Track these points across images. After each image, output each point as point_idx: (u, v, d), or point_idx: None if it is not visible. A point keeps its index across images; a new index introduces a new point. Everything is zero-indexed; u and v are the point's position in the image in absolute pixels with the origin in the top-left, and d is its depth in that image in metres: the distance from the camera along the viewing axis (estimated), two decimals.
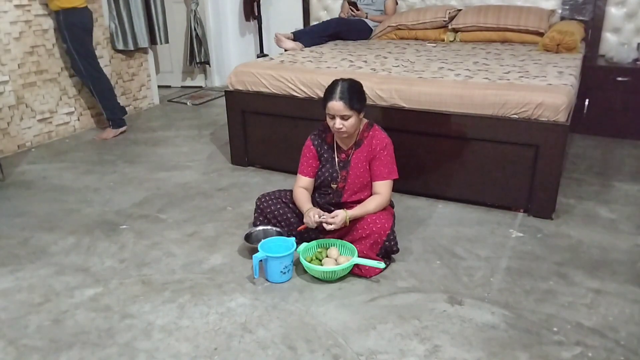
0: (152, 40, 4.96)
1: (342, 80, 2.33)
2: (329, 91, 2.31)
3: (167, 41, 5.09)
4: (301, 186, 2.48)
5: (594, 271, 2.32)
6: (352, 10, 4.72)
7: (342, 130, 2.31)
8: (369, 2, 4.75)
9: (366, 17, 4.69)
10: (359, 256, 2.25)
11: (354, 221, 2.35)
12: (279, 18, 5.82)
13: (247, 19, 5.89)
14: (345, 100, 2.25)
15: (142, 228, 2.77)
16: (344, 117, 2.28)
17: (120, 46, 4.65)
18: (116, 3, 4.53)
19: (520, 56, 3.59)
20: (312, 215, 2.29)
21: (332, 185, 2.46)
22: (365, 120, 2.44)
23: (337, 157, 2.45)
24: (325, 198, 2.50)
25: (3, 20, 3.76)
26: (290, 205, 2.53)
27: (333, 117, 2.30)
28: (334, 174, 2.45)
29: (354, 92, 2.29)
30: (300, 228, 2.42)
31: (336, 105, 2.26)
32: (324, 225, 2.29)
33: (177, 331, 1.97)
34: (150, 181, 3.39)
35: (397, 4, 4.82)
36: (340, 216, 2.27)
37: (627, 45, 4.12)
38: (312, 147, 2.49)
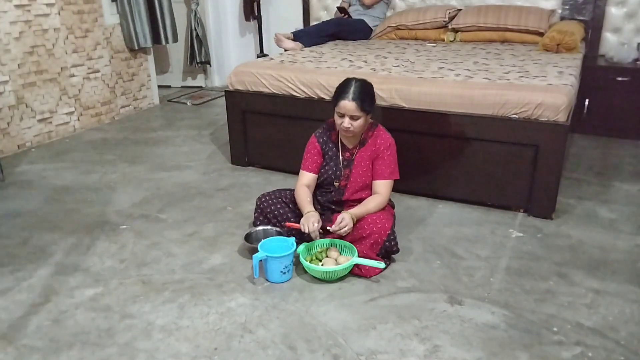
0: (157, 40, 4.97)
1: (356, 80, 2.33)
2: (342, 90, 2.31)
3: (175, 40, 5.10)
4: (304, 184, 2.47)
5: (594, 271, 2.32)
6: (348, 16, 4.70)
7: (349, 129, 2.31)
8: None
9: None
10: (359, 256, 2.25)
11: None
12: (279, 18, 5.82)
13: (247, 19, 5.89)
14: (358, 101, 2.26)
15: (142, 228, 2.77)
16: (353, 117, 2.29)
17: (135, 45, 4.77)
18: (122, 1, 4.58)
19: (520, 56, 3.59)
20: (312, 224, 2.26)
21: (334, 184, 2.47)
22: (370, 120, 2.44)
23: (342, 156, 2.46)
24: (326, 196, 2.51)
25: (3, 20, 3.76)
26: (290, 205, 2.53)
27: (342, 116, 2.31)
28: (338, 172, 2.45)
29: (366, 94, 2.30)
30: (289, 224, 2.41)
31: (348, 105, 2.27)
32: (335, 230, 2.28)
33: (177, 331, 1.97)
34: (150, 181, 3.39)
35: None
36: (346, 219, 2.26)
37: (627, 45, 4.12)
38: (317, 144, 2.49)
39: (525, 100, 2.67)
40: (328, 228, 2.30)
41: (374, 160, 2.41)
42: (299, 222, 2.42)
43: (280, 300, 2.14)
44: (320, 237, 2.40)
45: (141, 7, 4.68)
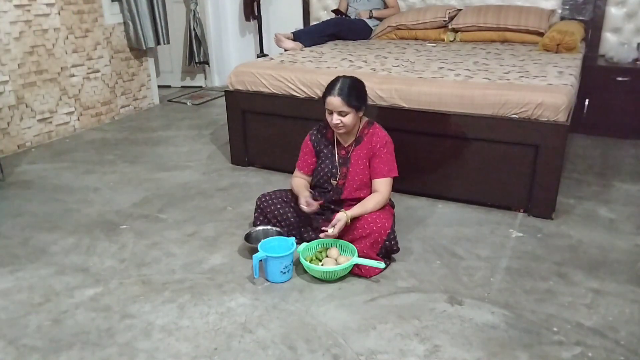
0: (157, 41, 4.97)
1: (344, 77, 2.37)
2: (329, 87, 2.34)
3: (167, 42, 5.09)
4: (297, 176, 2.55)
5: (594, 271, 2.32)
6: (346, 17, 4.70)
7: (339, 125, 2.33)
8: (364, 1, 4.73)
9: (370, 17, 4.65)
10: (359, 256, 2.25)
11: (354, 220, 2.35)
12: (279, 18, 5.83)
13: (247, 19, 5.89)
14: (344, 96, 2.28)
15: (142, 228, 2.77)
16: (341, 113, 2.31)
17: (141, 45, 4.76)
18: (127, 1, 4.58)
19: (520, 56, 3.59)
20: (303, 203, 2.36)
21: (331, 182, 2.47)
22: (365, 119, 2.45)
23: (337, 154, 2.46)
24: (325, 196, 2.51)
25: (3, 20, 3.76)
26: (291, 205, 2.53)
27: (331, 113, 2.33)
28: (334, 170, 2.46)
29: (352, 89, 2.32)
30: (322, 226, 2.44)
31: (334, 100, 2.29)
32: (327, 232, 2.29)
33: (177, 331, 1.97)
34: (150, 181, 3.39)
35: None
36: (342, 221, 2.27)
37: (627, 45, 4.12)
38: (309, 142, 2.52)
39: (525, 100, 2.67)
40: (323, 228, 2.30)
41: (371, 159, 2.42)
42: (302, 224, 2.46)
43: (280, 300, 2.14)
44: (319, 238, 2.42)
45: (145, 7, 4.69)
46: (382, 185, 2.40)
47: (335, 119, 2.32)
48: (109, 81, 4.69)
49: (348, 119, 2.32)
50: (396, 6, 4.72)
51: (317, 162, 2.53)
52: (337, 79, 2.36)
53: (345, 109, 2.29)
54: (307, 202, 2.35)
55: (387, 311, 2.06)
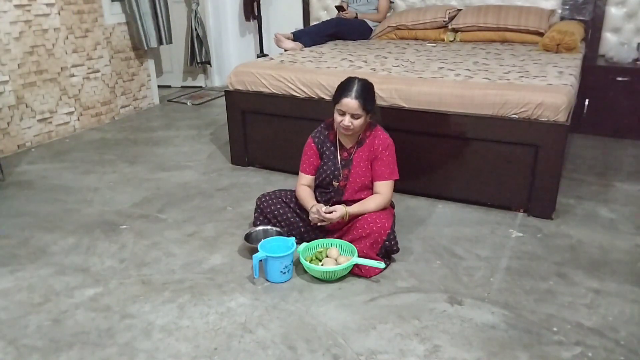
0: (159, 41, 4.98)
1: (358, 79, 2.34)
2: (345, 88, 2.31)
3: (170, 41, 5.09)
4: (303, 184, 2.50)
5: (594, 271, 2.32)
6: (340, 13, 4.71)
7: (349, 128, 2.31)
8: (364, 2, 4.74)
9: (356, 17, 4.68)
10: (359, 256, 2.25)
11: (354, 220, 2.35)
12: (279, 18, 5.83)
13: (247, 19, 5.89)
14: (361, 100, 2.27)
15: (142, 228, 2.77)
16: (354, 116, 2.29)
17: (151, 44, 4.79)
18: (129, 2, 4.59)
19: (520, 56, 3.59)
20: (315, 212, 2.32)
21: (333, 183, 2.47)
22: (369, 120, 2.45)
23: (340, 156, 2.46)
24: (326, 196, 2.51)
25: (3, 20, 3.76)
26: (291, 205, 2.53)
27: (343, 114, 2.31)
28: (336, 172, 2.45)
29: (368, 93, 2.32)
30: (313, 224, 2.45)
31: (351, 103, 2.27)
32: (322, 217, 2.31)
33: (177, 331, 1.97)
34: (150, 181, 3.39)
35: (392, 2, 4.82)
36: (339, 212, 2.29)
37: (627, 45, 4.12)
38: (313, 144, 2.50)
39: (525, 100, 2.67)
40: (322, 210, 2.32)
41: (372, 161, 2.41)
42: (302, 224, 2.47)
43: (280, 300, 2.14)
44: (319, 237, 2.41)
45: (147, 7, 4.69)
46: (384, 188, 2.40)
47: (347, 121, 2.30)
48: (109, 81, 4.69)
49: (358, 122, 2.31)
50: (383, 12, 4.76)
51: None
52: (351, 80, 2.33)
53: (360, 112, 2.28)
54: (319, 211, 2.32)
55: (387, 311, 2.06)
